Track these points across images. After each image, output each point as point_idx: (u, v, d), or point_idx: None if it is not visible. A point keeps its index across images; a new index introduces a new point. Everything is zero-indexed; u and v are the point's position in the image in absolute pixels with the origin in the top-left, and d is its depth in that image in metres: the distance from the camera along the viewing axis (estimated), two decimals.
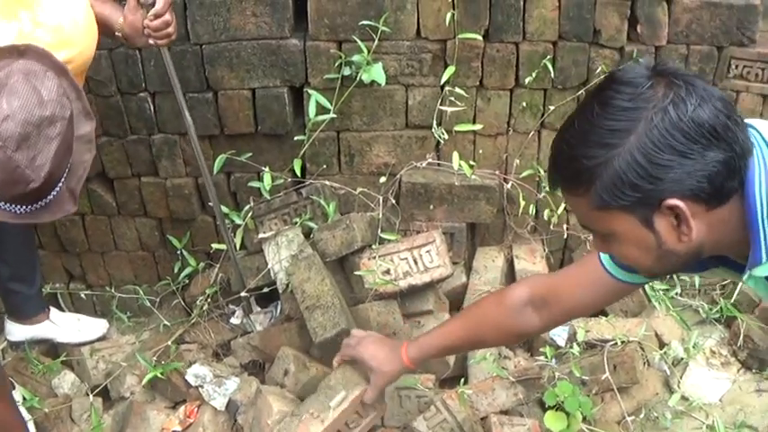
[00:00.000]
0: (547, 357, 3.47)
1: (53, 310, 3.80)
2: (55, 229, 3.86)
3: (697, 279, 3.81)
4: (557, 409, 3.16)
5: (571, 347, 3.43)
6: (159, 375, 3.39)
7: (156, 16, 2.81)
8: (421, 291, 3.48)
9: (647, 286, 3.79)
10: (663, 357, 3.55)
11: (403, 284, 3.40)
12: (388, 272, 3.40)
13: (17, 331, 3.73)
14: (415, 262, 3.43)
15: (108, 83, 3.48)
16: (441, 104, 3.45)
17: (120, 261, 3.98)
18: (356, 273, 3.40)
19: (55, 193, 2.19)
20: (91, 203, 3.80)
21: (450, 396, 3.21)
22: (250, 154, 3.53)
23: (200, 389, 3.43)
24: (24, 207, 2.15)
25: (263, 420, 3.10)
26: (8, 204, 2.12)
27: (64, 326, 3.79)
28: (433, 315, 3.48)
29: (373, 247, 3.45)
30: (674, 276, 3.86)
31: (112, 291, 3.98)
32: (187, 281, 3.89)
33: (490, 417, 3.22)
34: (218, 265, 3.76)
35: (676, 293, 3.86)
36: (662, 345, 3.63)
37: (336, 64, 3.39)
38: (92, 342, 3.78)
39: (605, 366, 3.27)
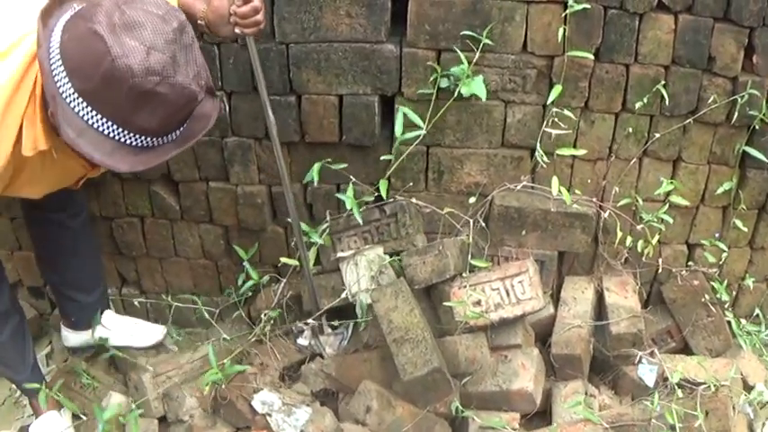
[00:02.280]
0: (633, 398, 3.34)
1: (107, 313, 3.58)
2: (111, 231, 3.63)
3: None
4: None
5: (663, 389, 3.29)
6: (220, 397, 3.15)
7: (245, 1, 2.57)
8: (510, 323, 3.24)
9: (734, 326, 3.60)
10: (748, 400, 3.34)
11: (494, 317, 3.18)
12: (478, 303, 3.17)
13: (72, 338, 3.54)
14: (507, 293, 3.21)
15: None
16: (546, 126, 3.19)
17: (180, 268, 3.74)
18: (446, 303, 3.16)
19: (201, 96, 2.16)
20: (152, 206, 3.55)
21: None
22: (344, 165, 3.26)
23: (267, 417, 3.20)
24: (180, 129, 2.18)
25: None
26: (172, 133, 2.16)
27: (117, 329, 3.57)
28: (521, 350, 3.25)
29: (464, 275, 3.21)
30: (762, 316, 3.68)
31: (169, 299, 3.73)
32: (250, 293, 3.62)
33: None
34: (284, 281, 3.51)
35: (762, 333, 3.67)
36: (746, 386, 3.44)
37: (433, 77, 3.12)
38: (146, 348, 3.60)
39: (698, 412, 3.08)
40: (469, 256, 3.24)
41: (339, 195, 3.36)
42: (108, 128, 2.07)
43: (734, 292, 3.68)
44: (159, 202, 3.54)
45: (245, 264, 3.59)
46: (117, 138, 2.08)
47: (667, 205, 3.36)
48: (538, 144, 3.25)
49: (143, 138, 2.12)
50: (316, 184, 3.34)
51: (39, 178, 2.46)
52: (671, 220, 3.36)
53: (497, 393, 3.18)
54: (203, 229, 3.61)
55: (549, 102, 3.17)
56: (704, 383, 3.21)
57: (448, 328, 3.23)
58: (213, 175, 3.46)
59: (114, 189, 3.52)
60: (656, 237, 3.44)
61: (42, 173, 2.43)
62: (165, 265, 3.74)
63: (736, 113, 3.19)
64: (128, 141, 2.09)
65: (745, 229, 3.49)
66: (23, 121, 2.17)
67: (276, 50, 3.15)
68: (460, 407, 3.14)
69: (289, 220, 3.30)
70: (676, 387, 3.21)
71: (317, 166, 3.22)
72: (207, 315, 3.68)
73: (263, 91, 2.95)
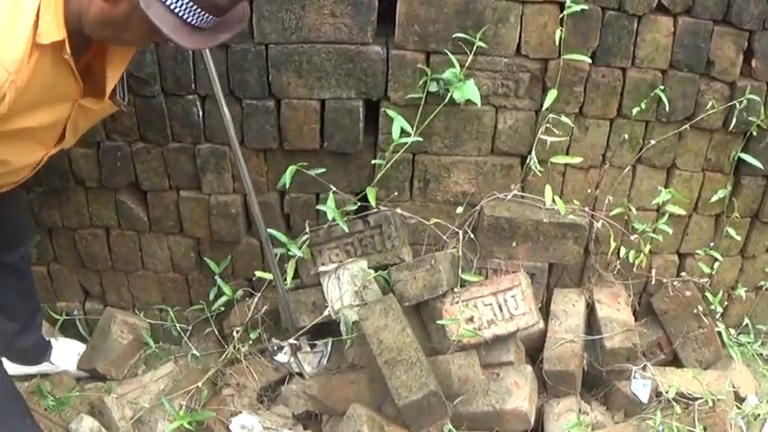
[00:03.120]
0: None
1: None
2: (74, 243, 3.40)
3: None
4: None
5: (658, 404, 3.21)
6: (187, 426, 2.95)
7: None
8: (502, 340, 3.10)
9: (725, 336, 3.50)
10: (741, 414, 3.26)
11: (487, 335, 3.04)
12: (471, 320, 3.02)
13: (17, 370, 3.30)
14: (500, 308, 3.07)
15: (151, 81, 2.99)
16: (540, 132, 3.04)
17: (147, 282, 3.52)
18: (439, 322, 3.00)
19: None
20: (118, 216, 3.33)
21: None
22: (322, 170, 3.07)
23: None
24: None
25: None
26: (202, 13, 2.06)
27: (64, 357, 3.37)
28: (513, 367, 3.10)
29: (455, 290, 3.04)
30: (751, 326, 3.63)
31: (141, 315, 3.53)
32: (223, 308, 3.41)
33: None
34: (257, 295, 3.32)
35: (754, 344, 3.61)
36: (737, 397, 3.36)
37: (422, 80, 2.94)
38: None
39: (697, 429, 3.01)
40: (460, 270, 3.06)
41: (320, 207, 3.16)
42: (176, 1, 1.98)
43: (724, 303, 3.56)
44: (126, 212, 3.32)
45: (217, 278, 3.38)
46: (180, 13, 2.00)
47: (667, 215, 3.23)
48: (533, 151, 3.08)
49: (203, 15, 2.05)
50: (291, 191, 3.20)
51: (40, 100, 2.21)
52: (670, 231, 3.24)
53: (490, 414, 3.04)
54: (173, 240, 3.40)
55: (544, 107, 3.01)
56: (700, 398, 3.13)
57: (439, 347, 3.07)
58: (184, 183, 3.25)
59: (78, 198, 3.29)
60: (648, 246, 3.31)
61: (44, 92, 2.19)
62: (132, 278, 3.52)
63: (734, 119, 3.09)
64: (188, 19, 2.02)
65: (738, 238, 3.40)
66: (41, 5, 1.99)
67: (254, 51, 2.95)
68: (453, 429, 2.97)
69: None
70: (674, 403, 3.09)
71: (290, 170, 3.01)
72: (178, 331, 3.46)
73: (216, 83, 2.79)
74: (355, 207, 3.13)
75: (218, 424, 3.06)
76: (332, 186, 3.10)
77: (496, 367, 3.13)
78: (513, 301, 3.07)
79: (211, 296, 3.45)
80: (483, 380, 3.05)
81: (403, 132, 2.98)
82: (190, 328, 3.53)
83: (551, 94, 2.99)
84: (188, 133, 3.12)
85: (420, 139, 3.01)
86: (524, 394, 3.04)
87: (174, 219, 3.32)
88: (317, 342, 3.29)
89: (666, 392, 3.15)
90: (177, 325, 3.50)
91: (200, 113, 3.09)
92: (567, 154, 3.17)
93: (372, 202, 3.07)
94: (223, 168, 3.18)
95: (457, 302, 3.02)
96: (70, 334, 3.57)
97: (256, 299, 3.32)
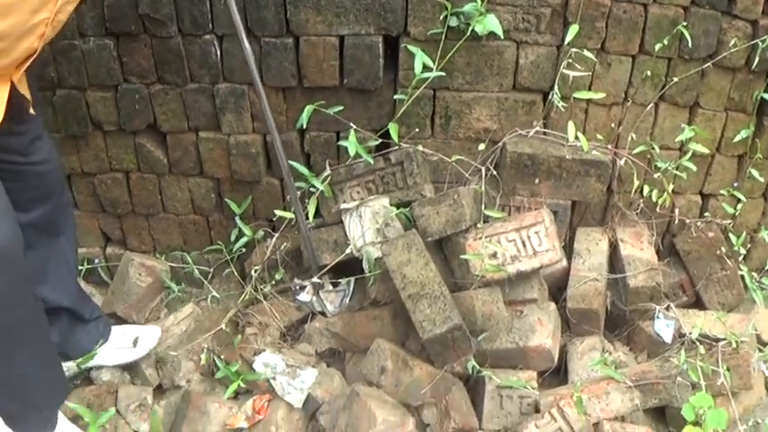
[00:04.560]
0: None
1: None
2: (94, 188, 3.39)
3: None
4: (694, 424, 2.79)
5: (681, 345, 3.14)
6: (218, 361, 2.94)
7: None
8: (526, 276, 3.07)
9: (747, 280, 3.46)
10: (764, 357, 3.22)
11: (511, 270, 3.00)
12: (495, 255, 2.98)
13: None
14: (524, 244, 3.03)
15: (168, 22, 2.98)
16: (563, 68, 3.00)
17: (168, 225, 3.51)
18: (462, 257, 2.97)
19: None
20: (138, 160, 3.32)
21: (568, 402, 2.83)
22: (340, 107, 3.05)
23: (271, 381, 2.99)
24: None
25: (362, 430, 2.70)
26: None
27: (104, 349, 3.12)
28: (537, 304, 3.08)
29: (479, 226, 3.01)
30: None
31: (162, 258, 3.55)
32: (244, 250, 3.40)
33: (603, 423, 2.87)
34: (276, 235, 3.32)
35: None
36: (760, 341, 3.33)
37: (443, 15, 2.91)
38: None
39: (720, 369, 2.95)
40: (483, 206, 3.03)
41: (341, 143, 3.14)
42: None
43: (747, 245, 3.53)
44: (145, 155, 3.31)
45: (237, 219, 3.37)
46: None
47: (690, 152, 3.19)
48: (555, 87, 3.05)
49: None
50: (311, 130, 3.19)
51: None
52: (694, 168, 3.21)
53: (513, 350, 3.01)
54: (193, 182, 3.38)
55: (566, 42, 2.97)
56: (724, 339, 3.07)
57: (462, 283, 3.04)
58: (203, 124, 3.23)
59: (96, 142, 3.28)
60: (671, 185, 3.27)
61: None
62: (153, 222, 3.51)
63: (757, 58, 3.04)
64: None
65: (761, 179, 3.37)
66: None
67: None
68: (477, 365, 2.94)
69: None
70: (697, 343, 3.05)
71: (307, 110, 3.00)
72: (198, 273, 3.44)
73: (236, 16, 2.73)
74: (376, 143, 3.11)
75: (242, 362, 3.04)
76: (352, 124, 3.06)
77: (520, 305, 3.10)
78: (537, 237, 3.03)
79: (232, 237, 3.43)
80: (506, 317, 3.02)
81: (425, 68, 2.94)
82: (211, 270, 3.51)
83: (573, 29, 2.95)
84: (206, 73, 3.10)
85: (442, 73, 2.97)
86: (548, 331, 3.01)
87: (193, 160, 3.30)
88: (339, 280, 3.26)
89: (690, 333, 3.10)
90: (198, 267, 3.46)
91: (218, 53, 3.06)
92: (590, 90, 3.12)
93: (395, 137, 3.04)
94: (242, 108, 3.16)
95: (480, 238, 2.99)
96: (93, 281, 3.57)
97: (275, 239, 3.30)
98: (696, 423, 2.77)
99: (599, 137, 3.20)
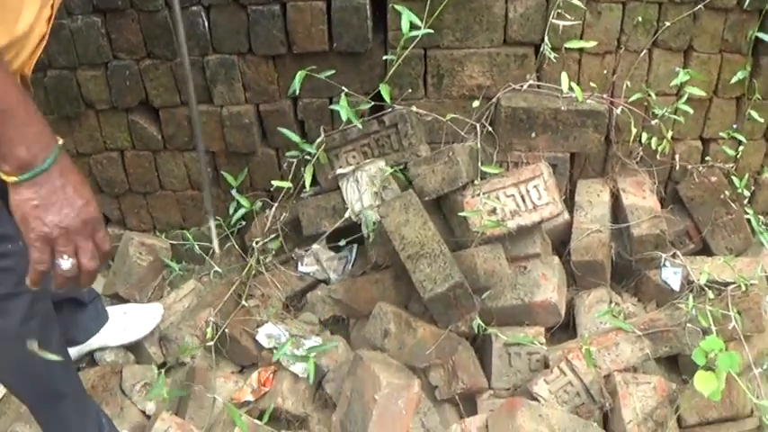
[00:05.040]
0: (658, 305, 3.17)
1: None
2: (90, 169, 3.37)
3: None
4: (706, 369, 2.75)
5: (689, 292, 3.05)
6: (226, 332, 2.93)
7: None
8: (527, 231, 3.03)
9: (754, 223, 3.42)
10: None
11: (511, 225, 2.96)
12: (494, 211, 2.95)
13: None
14: (523, 199, 2.99)
15: None
16: (553, 17, 2.96)
17: (166, 202, 3.50)
18: (460, 214, 2.94)
19: None
20: (132, 137, 3.30)
21: (577, 356, 2.80)
22: (332, 72, 3.02)
23: (274, 351, 2.97)
24: None
25: (367, 394, 2.67)
26: None
27: (106, 330, 3.12)
28: (540, 259, 3.05)
29: (476, 182, 2.98)
30: None
31: (162, 236, 3.52)
32: (243, 223, 3.38)
33: (613, 375, 2.83)
34: (274, 205, 3.30)
35: None
36: None
37: None
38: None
39: (731, 313, 2.89)
40: (479, 162, 3.00)
41: (332, 107, 3.11)
42: None
43: (751, 188, 3.49)
44: (139, 132, 3.29)
45: (234, 192, 3.35)
46: None
47: (686, 95, 3.15)
48: (546, 38, 3.01)
49: None
50: (303, 97, 3.18)
51: None
52: (691, 111, 3.16)
53: (519, 307, 2.98)
54: (189, 157, 3.37)
55: None
56: (733, 283, 3.01)
57: (463, 241, 3.01)
58: (196, 97, 3.19)
59: (90, 122, 3.27)
60: (671, 132, 3.23)
61: None
62: (151, 200, 3.50)
63: None
64: None
65: (761, 120, 3.31)
66: None
67: None
68: (482, 324, 2.91)
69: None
70: (706, 289, 3.01)
71: (299, 75, 2.95)
72: (199, 250, 3.42)
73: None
74: (369, 106, 3.07)
75: (245, 336, 3.03)
76: (344, 88, 3.03)
77: (523, 260, 3.07)
78: (536, 191, 3.00)
79: (231, 210, 3.41)
80: (510, 273, 2.98)
81: (413, 27, 2.90)
82: (212, 245, 3.48)
83: None
84: (195, 45, 3.08)
85: (431, 31, 2.93)
86: (553, 286, 2.98)
87: (187, 134, 3.28)
88: (339, 243, 3.24)
89: (698, 280, 3.05)
90: (198, 243, 3.45)
91: (206, 24, 3.03)
92: (581, 40, 3.08)
93: (387, 98, 3.01)
94: (233, 78, 3.14)
95: (478, 194, 2.96)
96: None
97: (274, 209, 3.28)
98: (708, 368, 2.73)
99: (593, 86, 3.15)
